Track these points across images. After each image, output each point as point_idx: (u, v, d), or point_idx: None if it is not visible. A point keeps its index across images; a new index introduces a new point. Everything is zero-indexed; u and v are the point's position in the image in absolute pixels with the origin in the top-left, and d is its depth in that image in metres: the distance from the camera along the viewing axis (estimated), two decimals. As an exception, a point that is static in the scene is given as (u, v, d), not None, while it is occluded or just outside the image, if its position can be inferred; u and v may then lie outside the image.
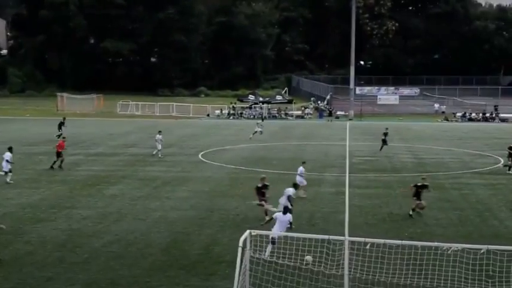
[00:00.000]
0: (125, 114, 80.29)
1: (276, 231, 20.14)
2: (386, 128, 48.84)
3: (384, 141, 47.21)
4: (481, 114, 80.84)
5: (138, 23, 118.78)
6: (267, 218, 24.62)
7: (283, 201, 25.22)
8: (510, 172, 38.46)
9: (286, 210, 21.50)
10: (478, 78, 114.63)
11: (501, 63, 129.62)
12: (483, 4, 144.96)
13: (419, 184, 27.45)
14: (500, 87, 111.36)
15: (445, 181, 35.08)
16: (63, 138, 41.93)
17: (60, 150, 38.79)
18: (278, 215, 21.41)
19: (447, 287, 17.28)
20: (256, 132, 55.54)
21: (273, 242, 19.86)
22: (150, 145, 49.54)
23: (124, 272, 19.75)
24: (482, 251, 18.07)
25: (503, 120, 78.27)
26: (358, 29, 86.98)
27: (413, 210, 27.21)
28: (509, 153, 39.03)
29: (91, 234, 24.02)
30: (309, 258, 18.84)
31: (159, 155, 43.42)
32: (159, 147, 43.88)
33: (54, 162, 38.38)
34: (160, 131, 45.23)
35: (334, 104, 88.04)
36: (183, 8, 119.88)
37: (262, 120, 61.76)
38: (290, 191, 25.92)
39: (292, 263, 18.64)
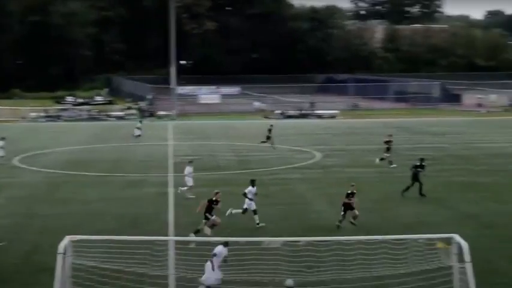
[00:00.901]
0: None
1: (209, 265, 17.69)
2: (271, 125, 50.86)
3: (268, 137, 48.75)
4: (298, 111, 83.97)
5: None
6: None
7: (249, 202, 25.53)
8: (391, 167, 38.96)
9: (226, 244, 18.13)
10: (295, 77, 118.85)
11: (316, 61, 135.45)
12: (297, 5, 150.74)
13: (349, 192, 25.36)
14: (315, 84, 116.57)
15: (266, 177, 35.97)
16: None
17: None
18: (219, 248, 17.99)
19: (269, 280, 17.71)
20: (136, 135, 54.68)
21: None
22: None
23: None
24: (300, 243, 18.83)
25: (319, 116, 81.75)
26: (177, 28, 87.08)
27: (351, 222, 24.99)
28: (387, 147, 40.43)
29: None
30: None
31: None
32: (1, 153, 41.57)
33: None
34: (2, 138, 42.81)
35: (156, 104, 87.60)
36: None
37: (141, 122, 60.85)
38: (251, 190, 25.72)
39: (115, 267, 18.27)
